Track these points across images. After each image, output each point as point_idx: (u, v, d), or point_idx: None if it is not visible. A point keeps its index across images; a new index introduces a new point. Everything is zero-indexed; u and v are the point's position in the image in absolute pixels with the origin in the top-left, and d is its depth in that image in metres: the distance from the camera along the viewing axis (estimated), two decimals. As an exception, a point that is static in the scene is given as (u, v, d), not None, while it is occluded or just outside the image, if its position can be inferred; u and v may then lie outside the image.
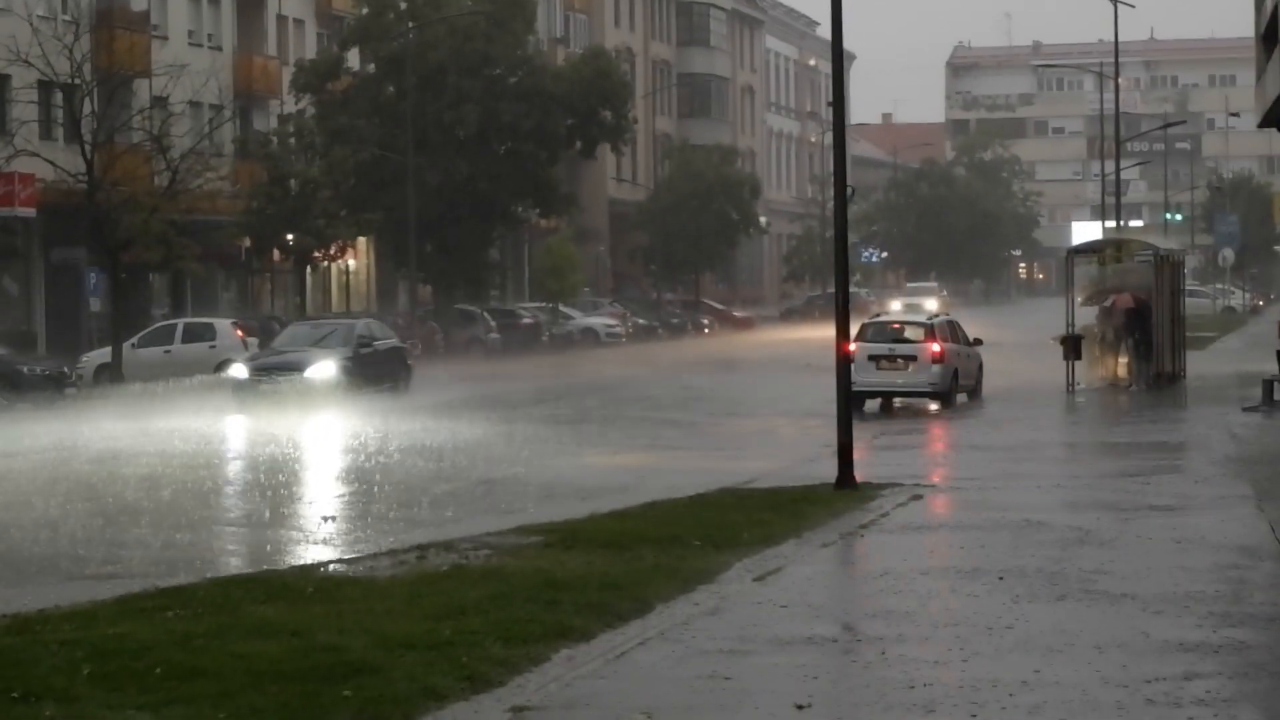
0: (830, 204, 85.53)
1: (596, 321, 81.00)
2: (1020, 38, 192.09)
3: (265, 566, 18.60)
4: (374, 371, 44.89)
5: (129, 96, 58.93)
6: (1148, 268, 44.93)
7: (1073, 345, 43.74)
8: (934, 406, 40.01)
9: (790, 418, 38.63)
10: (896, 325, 42.23)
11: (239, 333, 53.78)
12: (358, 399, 42.05)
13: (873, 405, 39.95)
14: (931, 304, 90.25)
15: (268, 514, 23.59)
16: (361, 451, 32.18)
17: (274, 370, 43.09)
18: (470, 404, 42.12)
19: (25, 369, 46.92)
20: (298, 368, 43.03)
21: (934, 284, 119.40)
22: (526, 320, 74.56)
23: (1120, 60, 75.19)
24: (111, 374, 50.14)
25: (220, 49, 69.52)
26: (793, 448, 31.86)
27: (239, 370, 43.46)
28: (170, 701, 11.84)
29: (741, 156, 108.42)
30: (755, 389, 49.03)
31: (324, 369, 42.93)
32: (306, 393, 41.80)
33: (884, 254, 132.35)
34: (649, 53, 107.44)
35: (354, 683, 12.29)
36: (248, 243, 64.98)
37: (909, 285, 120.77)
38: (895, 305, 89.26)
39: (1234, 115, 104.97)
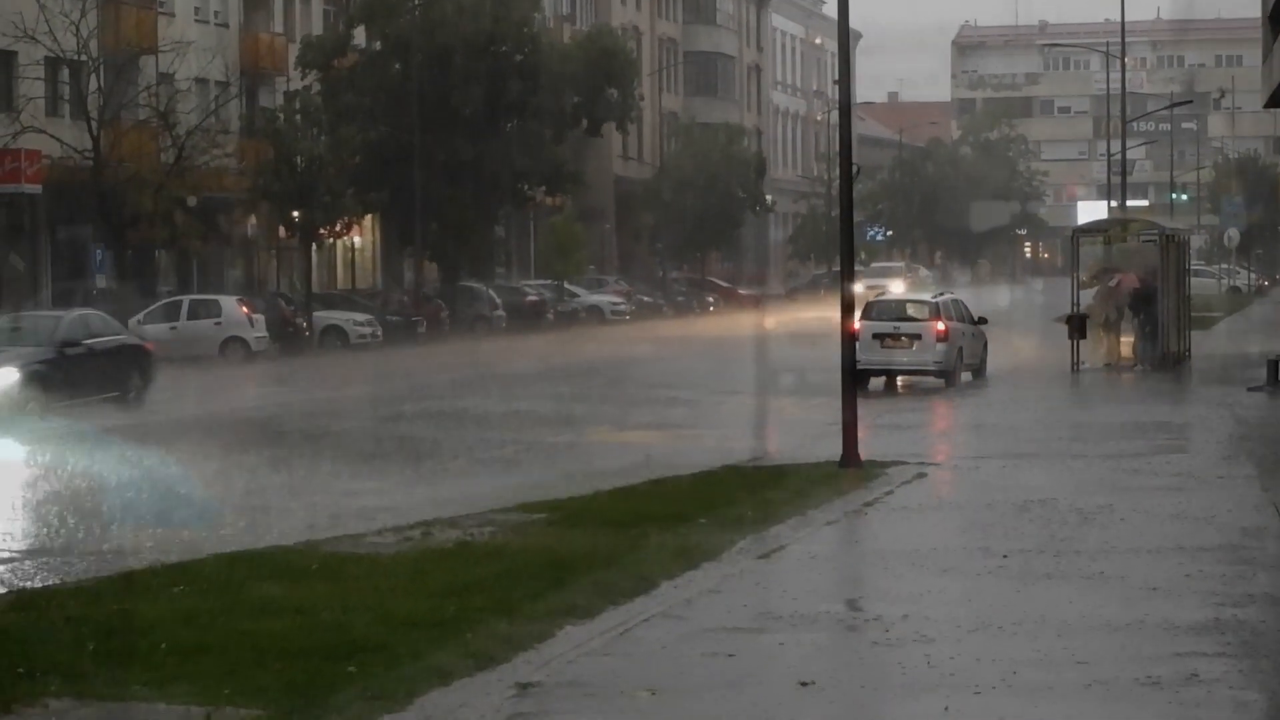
0: (836, 183, 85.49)
1: (601, 299, 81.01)
2: (1027, 17, 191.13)
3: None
4: (87, 378, 35.88)
5: (135, 73, 58.86)
6: (1153, 248, 44.85)
7: (1077, 325, 43.66)
8: (923, 386, 40.03)
9: (794, 396, 38.63)
10: (901, 303, 42.20)
11: (244, 309, 53.88)
12: (59, 412, 32.81)
13: (877, 383, 39.95)
14: (897, 286, 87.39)
15: None
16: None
17: None
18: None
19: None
20: None
21: (900, 264, 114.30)
22: (531, 298, 74.59)
23: (1127, 40, 75.05)
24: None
25: (226, 26, 69.36)
26: (797, 426, 31.85)
27: None
28: (175, 678, 11.85)
29: (747, 135, 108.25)
30: (759, 366, 49.00)
31: (2, 375, 33.76)
32: None
33: (889, 232, 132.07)
34: (655, 31, 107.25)
35: (358, 660, 12.31)
36: (253, 220, 64.96)
37: (873, 265, 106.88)
38: (858, 288, 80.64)
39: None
